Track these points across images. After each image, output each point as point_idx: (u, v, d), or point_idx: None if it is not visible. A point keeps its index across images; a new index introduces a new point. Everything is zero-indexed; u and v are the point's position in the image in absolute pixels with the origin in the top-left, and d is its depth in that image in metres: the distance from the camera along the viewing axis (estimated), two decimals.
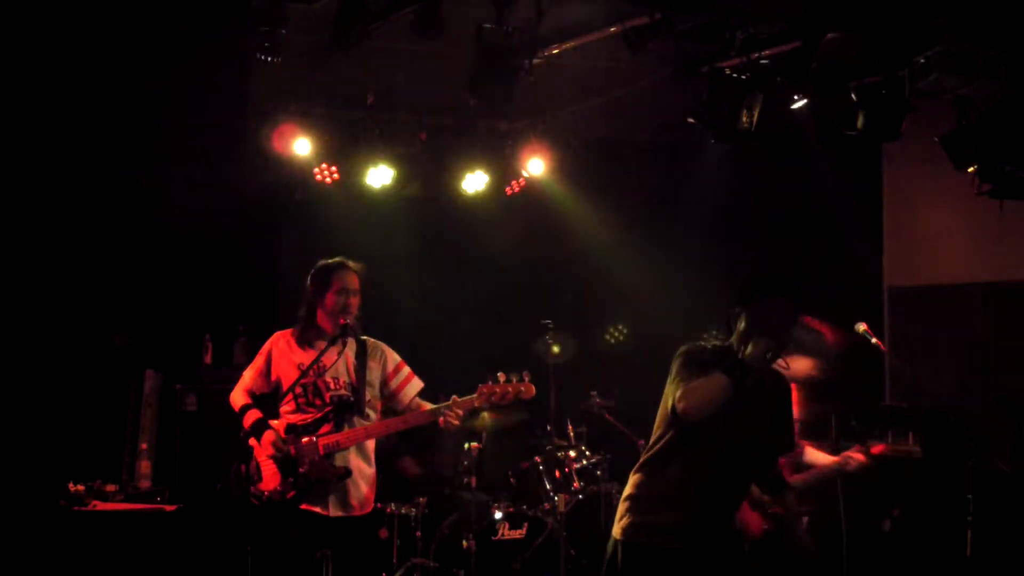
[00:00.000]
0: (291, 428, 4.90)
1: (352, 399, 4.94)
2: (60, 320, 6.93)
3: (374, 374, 5.04)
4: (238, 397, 5.04)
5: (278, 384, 4.99)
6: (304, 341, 5.01)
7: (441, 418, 4.90)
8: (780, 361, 4.00)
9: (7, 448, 6.42)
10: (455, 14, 5.41)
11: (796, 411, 5.51)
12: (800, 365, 5.44)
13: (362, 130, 7.50)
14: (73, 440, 6.66)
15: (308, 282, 5.05)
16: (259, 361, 5.07)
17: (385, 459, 6.60)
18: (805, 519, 5.68)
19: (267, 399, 5.03)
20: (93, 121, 6.73)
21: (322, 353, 4.87)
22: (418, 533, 6.55)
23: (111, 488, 6.22)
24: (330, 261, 5.06)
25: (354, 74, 6.87)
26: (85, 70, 6.37)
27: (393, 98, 7.45)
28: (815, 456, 5.86)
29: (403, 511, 6.56)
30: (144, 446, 6.99)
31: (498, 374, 4.94)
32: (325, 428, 4.89)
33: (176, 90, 6.69)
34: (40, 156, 6.73)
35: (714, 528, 4.08)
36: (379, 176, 7.62)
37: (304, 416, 4.92)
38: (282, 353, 5.01)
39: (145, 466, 6.94)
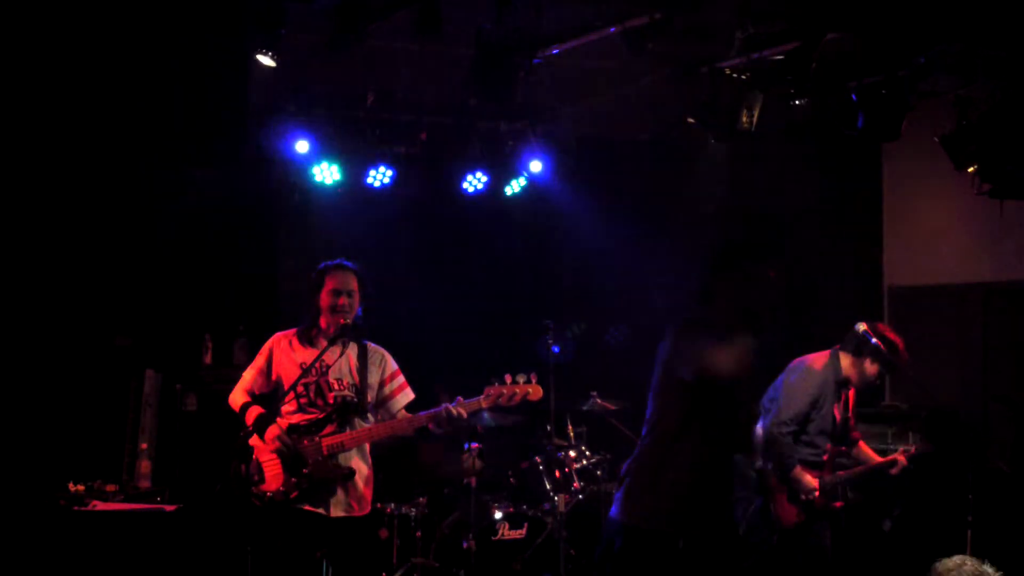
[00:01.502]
0: (293, 428, 4.88)
1: (356, 400, 4.94)
2: (61, 320, 6.92)
3: (374, 377, 5.03)
4: (237, 397, 5.02)
5: (279, 383, 4.97)
6: (306, 341, 5.00)
7: (431, 424, 4.90)
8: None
9: (7, 448, 6.41)
10: (455, 14, 5.41)
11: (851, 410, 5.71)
12: (872, 369, 5.63)
13: (362, 130, 7.50)
14: (73, 440, 6.65)
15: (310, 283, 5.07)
16: (260, 360, 5.06)
17: (384, 460, 6.60)
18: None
19: (267, 399, 5.02)
20: (93, 121, 6.72)
21: (323, 352, 4.87)
22: (418, 533, 6.55)
23: (111, 488, 6.20)
24: (328, 262, 5.07)
25: (354, 74, 6.87)
26: (84, 71, 6.36)
27: (393, 98, 7.44)
28: (867, 453, 6.00)
29: (403, 511, 6.55)
30: (144, 446, 6.97)
31: (505, 376, 4.93)
32: (328, 428, 4.88)
33: (176, 90, 6.68)
34: (40, 157, 6.72)
35: (710, 509, 4.10)
36: (379, 176, 7.63)
37: (307, 416, 4.90)
38: (284, 352, 5.00)
39: (145, 466, 6.93)
